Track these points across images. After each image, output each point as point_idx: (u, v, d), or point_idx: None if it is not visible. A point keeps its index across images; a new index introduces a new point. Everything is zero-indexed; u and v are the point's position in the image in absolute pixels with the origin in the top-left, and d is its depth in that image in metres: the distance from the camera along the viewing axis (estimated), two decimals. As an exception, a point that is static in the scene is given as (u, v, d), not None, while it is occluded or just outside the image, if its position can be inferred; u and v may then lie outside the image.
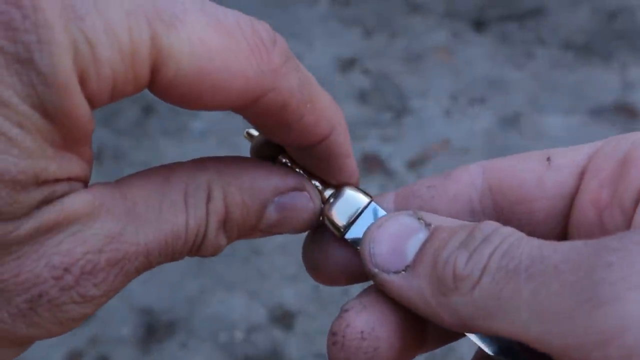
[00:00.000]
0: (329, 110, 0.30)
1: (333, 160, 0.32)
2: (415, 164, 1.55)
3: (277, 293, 1.36)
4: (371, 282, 0.31)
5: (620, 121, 1.62)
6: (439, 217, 0.31)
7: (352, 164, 0.33)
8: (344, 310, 0.31)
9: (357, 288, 0.33)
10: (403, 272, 0.29)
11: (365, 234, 0.31)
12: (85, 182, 0.26)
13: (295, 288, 1.37)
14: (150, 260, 0.28)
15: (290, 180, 0.31)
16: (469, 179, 0.33)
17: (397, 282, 0.29)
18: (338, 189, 0.33)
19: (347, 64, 1.75)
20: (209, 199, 0.29)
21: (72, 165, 0.25)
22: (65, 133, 0.24)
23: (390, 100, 1.68)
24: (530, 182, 0.32)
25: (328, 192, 0.33)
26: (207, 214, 0.29)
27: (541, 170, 0.32)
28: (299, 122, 0.29)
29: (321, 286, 1.37)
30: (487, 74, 1.72)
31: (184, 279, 1.38)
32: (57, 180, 0.25)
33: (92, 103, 0.24)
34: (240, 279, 1.38)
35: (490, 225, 0.28)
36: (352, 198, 0.33)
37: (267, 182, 0.31)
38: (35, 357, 1.30)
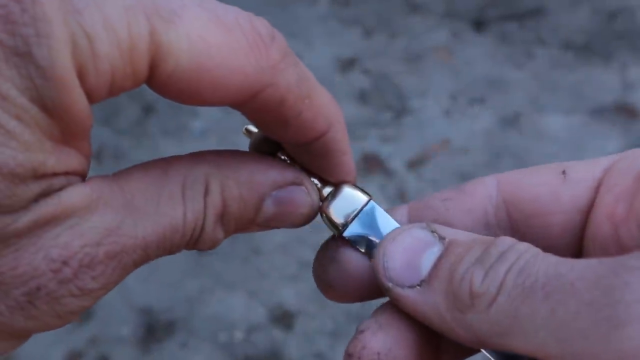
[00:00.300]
0: (327, 107, 0.30)
1: (331, 158, 0.32)
2: (415, 164, 1.55)
3: (277, 293, 1.36)
4: (385, 299, 0.31)
5: (620, 121, 1.62)
6: (453, 230, 0.31)
7: (350, 161, 0.32)
8: (359, 331, 0.30)
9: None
10: (418, 287, 0.29)
11: (378, 247, 0.31)
12: (83, 177, 0.27)
13: (295, 288, 1.36)
14: (149, 254, 0.28)
15: (288, 175, 0.31)
16: (484, 191, 0.33)
17: (412, 297, 0.29)
18: (336, 187, 0.33)
19: (347, 64, 1.75)
20: (206, 192, 0.29)
21: (71, 160, 0.25)
22: (63, 127, 0.24)
23: (390, 100, 1.68)
24: (546, 195, 0.32)
25: (326, 190, 0.33)
26: (205, 207, 0.29)
27: (556, 184, 0.32)
28: (296, 118, 0.29)
29: (321, 286, 1.37)
30: (487, 74, 1.72)
31: (184, 279, 1.38)
32: (55, 174, 0.25)
33: (91, 98, 0.24)
34: (240, 278, 1.38)
35: (506, 241, 0.28)
36: (351, 196, 0.33)
37: (265, 175, 0.31)
38: (35, 357, 1.30)
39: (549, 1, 1.88)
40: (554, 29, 1.82)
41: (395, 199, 1.48)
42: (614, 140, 1.58)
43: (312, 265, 0.34)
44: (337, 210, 0.33)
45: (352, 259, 0.33)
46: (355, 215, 0.33)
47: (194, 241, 0.30)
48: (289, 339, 1.31)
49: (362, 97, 1.68)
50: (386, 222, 0.33)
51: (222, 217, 0.30)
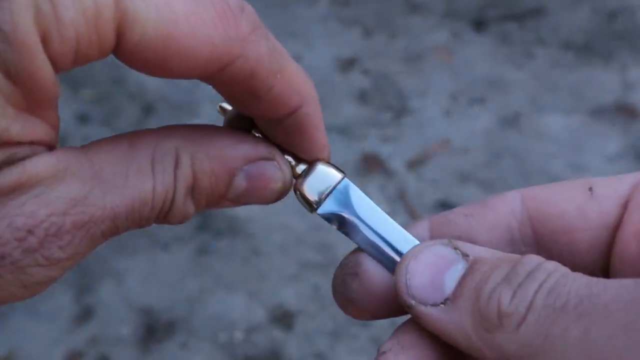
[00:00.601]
0: (300, 82, 0.30)
1: (304, 134, 0.31)
2: (415, 164, 1.55)
3: (277, 293, 1.36)
4: (407, 317, 0.31)
5: (620, 121, 1.62)
6: (476, 247, 0.30)
7: (323, 138, 0.32)
8: (381, 353, 0.30)
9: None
10: (442, 305, 0.29)
11: (400, 264, 0.30)
12: (50, 147, 0.26)
13: (295, 288, 1.36)
14: (117, 225, 0.28)
15: (259, 149, 0.31)
16: (507, 207, 0.33)
17: (435, 315, 0.29)
18: (310, 164, 0.33)
19: (347, 64, 1.75)
20: (176, 165, 0.29)
21: (36, 129, 0.25)
22: (27, 94, 0.24)
23: (390, 100, 1.68)
24: (572, 212, 0.31)
25: (301, 168, 0.33)
26: (175, 180, 0.29)
27: (583, 200, 0.31)
28: (268, 93, 0.29)
29: (321, 286, 1.37)
30: (487, 74, 1.72)
31: (184, 279, 1.38)
32: (19, 143, 0.25)
33: (56, 65, 0.24)
34: (240, 279, 1.38)
35: (534, 259, 0.28)
36: (325, 173, 0.33)
37: (236, 150, 0.30)
38: (35, 357, 1.30)
39: (549, 1, 1.88)
40: (554, 29, 1.82)
41: (395, 199, 1.48)
42: (614, 140, 1.58)
43: (331, 281, 0.33)
44: (311, 188, 0.33)
45: (374, 274, 0.32)
46: (329, 193, 0.33)
47: (164, 214, 0.29)
48: (289, 339, 1.31)
49: (362, 97, 1.68)
50: (361, 200, 0.33)
51: (193, 191, 0.30)
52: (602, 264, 0.32)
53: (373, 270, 0.32)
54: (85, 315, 1.34)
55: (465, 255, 0.29)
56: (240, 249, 1.41)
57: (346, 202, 0.33)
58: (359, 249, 0.33)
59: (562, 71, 1.72)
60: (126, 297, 1.36)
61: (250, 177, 0.31)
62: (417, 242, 0.32)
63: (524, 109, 1.65)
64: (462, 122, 1.63)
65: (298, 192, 0.33)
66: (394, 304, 0.31)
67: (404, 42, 1.80)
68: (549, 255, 0.29)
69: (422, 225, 0.33)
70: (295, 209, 1.57)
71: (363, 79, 1.72)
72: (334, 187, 0.33)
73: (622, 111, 1.64)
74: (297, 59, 1.83)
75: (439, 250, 0.30)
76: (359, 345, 1.29)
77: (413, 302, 0.29)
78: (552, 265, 0.27)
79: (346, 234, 0.33)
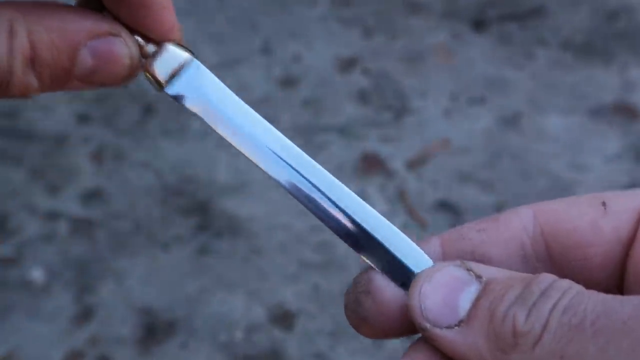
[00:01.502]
0: None
1: (150, 12, 0.31)
2: (415, 164, 1.55)
3: (277, 293, 1.36)
4: (419, 335, 0.31)
5: (620, 121, 1.62)
6: (489, 268, 0.30)
7: (172, 18, 0.32)
8: None
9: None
10: (456, 327, 0.29)
11: (413, 286, 0.30)
12: None
13: (295, 288, 1.36)
14: None
15: (104, 25, 0.31)
16: (520, 222, 0.32)
17: (450, 338, 0.29)
18: (159, 44, 0.33)
19: (347, 64, 1.75)
20: (11, 36, 0.29)
21: None
22: None
23: (390, 100, 1.68)
24: (586, 227, 0.31)
25: (151, 49, 0.33)
26: (11, 50, 0.29)
27: (596, 216, 0.31)
28: None
29: (321, 286, 1.37)
30: (487, 74, 1.72)
31: (184, 279, 1.38)
32: None
33: None
34: (240, 279, 1.38)
35: (547, 278, 0.28)
36: (174, 53, 0.33)
37: (79, 24, 0.30)
38: (35, 356, 1.30)
39: (549, 1, 1.88)
40: (554, 29, 1.82)
41: (395, 199, 1.48)
42: (614, 140, 1.58)
43: (344, 299, 0.33)
44: (160, 67, 0.33)
45: (386, 292, 0.32)
46: (178, 72, 0.33)
47: (5, 87, 0.29)
48: (289, 339, 1.31)
49: (362, 97, 1.68)
50: (212, 83, 0.34)
51: (34, 63, 0.29)
52: (617, 280, 0.31)
53: (385, 287, 0.32)
54: (85, 315, 1.34)
55: (478, 277, 0.29)
56: (241, 249, 1.41)
57: (195, 84, 0.34)
58: (371, 267, 0.33)
59: (562, 71, 1.72)
60: (126, 297, 1.36)
61: (96, 52, 0.31)
62: (264, 121, 0.33)
63: (524, 109, 1.65)
64: (462, 122, 1.63)
65: (147, 73, 0.33)
66: (407, 323, 0.31)
67: (404, 42, 1.80)
68: (563, 271, 0.30)
69: (434, 242, 0.33)
70: (296, 209, 1.57)
71: (363, 79, 1.72)
72: (183, 67, 0.33)
73: (622, 111, 1.64)
74: (297, 58, 1.83)
75: (453, 272, 0.30)
76: (359, 345, 1.29)
77: (427, 325, 0.29)
78: (566, 283, 0.27)
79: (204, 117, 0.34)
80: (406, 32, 1.83)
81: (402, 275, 0.32)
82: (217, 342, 1.31)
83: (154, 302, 1.35)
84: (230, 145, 0.33)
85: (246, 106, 0.34)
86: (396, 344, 1.26)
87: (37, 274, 1.39)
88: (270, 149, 0.33)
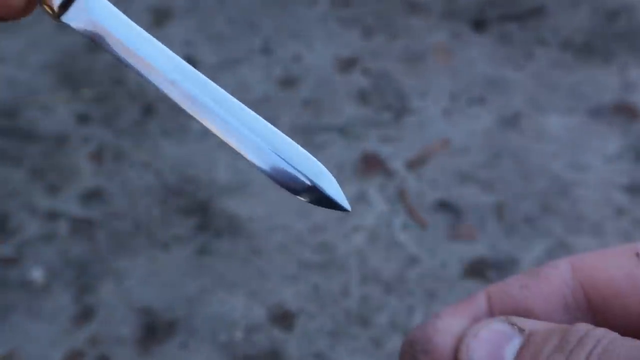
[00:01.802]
0: None
1: None
2: (415, 164, 1.55)
3: (277, 293, 1.36)
4: None
5: (620, 121, 1.62)
6: (530, 321, 0.32)
7: None
8: None
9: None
10: None
11: (461, 342, 0.32)
12: None
13: (295, 288, 1.37)
14: None
15: None
16: (560, 276, 0.34)
17: None
18: None
19: (347, 64, 1.75)
20: None
21: None
22: None
23: (390, 100, 1.68)
24: (621, 278, 0.33)
25: None
26: None
27: (631, 266, 0.33)
28: None
29: (321, 286, 1.37)
30: (486, 74, 1.72)
31: (184, 279, 1.38)
32: None
33: None
34: (240, 279, 1.38)
35: (582, 327, 0.29)
36: None
37: None
38: (35, 356, 1.30)
39: (549, 1, 1.88)
40: (554, 29, 1.82)
41: (395, 199, 1.48)
42: (613, 140, 1.58)
43: (400, 355, 0.35)
44: None
45: (444, 350, 0.34)
46: (72, 1, 0.33)
47: None
48: (289, 339, 1.31)
49: (362, 97, 1.68)
50: (110, 14, 0.34)
51: None
52: None
53: (443, 345, 0.34)
54: (85, 315, 1.34)
55: (521, 330, 0.31)
56: (241, 249, 1.41)
57: (92, 13, 0.33)
58: (426, 322, 0.35)
59: (562, 71, 1.72)
60: (126, 297, 1.36)
61: None
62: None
63: (523, 109, 1.65)
64: (462, 122, 1.63)
65: (43, 4, 0.33)
66: None
67: (404, 42, 1.80)
68: (605, 320, 0.31)
69: (479, 298, 0.35)
70: (296, 209, 1.57)
71: (363, 79, 1.72)
72: None
73: (622, 111, 1.64)
74: (297, 58, 1.83)
75: (497, 327, 0.32)
76: (359, 345, 1.29)
77: None
78: (600, 331, 0.29)
79: (109, 51, 0.34)
80: (406, 32, 1.83)
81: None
82: (217, 342, 1.31)
83: (154, 302, 1.35)
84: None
85: (139, 28, 0.34)
86: (396, 344, 1.26)
87: (37, 274, 1.39)
88: (165, 70, 0.35)
